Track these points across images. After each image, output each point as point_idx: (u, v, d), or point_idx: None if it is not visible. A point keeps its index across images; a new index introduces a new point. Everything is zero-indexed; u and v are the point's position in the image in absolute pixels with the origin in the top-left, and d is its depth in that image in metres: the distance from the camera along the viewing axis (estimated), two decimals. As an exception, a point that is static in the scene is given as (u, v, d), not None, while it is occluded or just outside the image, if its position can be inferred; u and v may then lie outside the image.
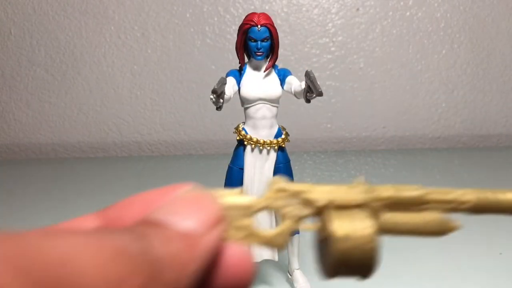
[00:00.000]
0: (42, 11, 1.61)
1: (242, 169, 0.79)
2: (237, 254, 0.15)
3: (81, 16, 1.61)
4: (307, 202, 0.18)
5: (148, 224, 0.13)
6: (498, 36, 1.63)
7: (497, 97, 1.67)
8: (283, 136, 0.79)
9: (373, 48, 1.62)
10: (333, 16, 1.60)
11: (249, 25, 0.75)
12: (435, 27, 1.61)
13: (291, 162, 0.82)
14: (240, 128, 0.80)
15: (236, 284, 0.15)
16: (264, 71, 0.77)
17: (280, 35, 0.80)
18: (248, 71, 0.78)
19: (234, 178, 0.80)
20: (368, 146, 1.67)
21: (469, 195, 0.19)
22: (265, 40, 0.75)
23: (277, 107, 0.79)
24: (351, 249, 0.17)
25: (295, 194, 0.18)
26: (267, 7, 1.57)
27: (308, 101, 0.74)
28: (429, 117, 1.68)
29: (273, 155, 0.79)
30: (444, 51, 1.64)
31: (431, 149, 1.65)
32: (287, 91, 0.78)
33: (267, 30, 0.75)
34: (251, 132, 0.78)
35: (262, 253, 0.79)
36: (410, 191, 0.19)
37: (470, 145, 1.67)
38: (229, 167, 0.81)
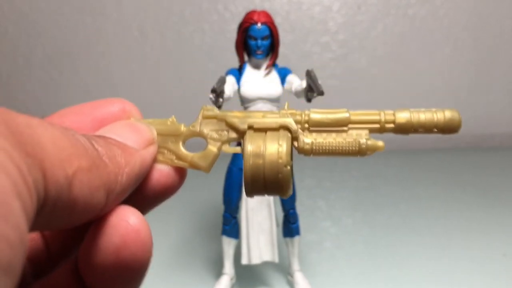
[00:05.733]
0: (39, 10, 1.60)
1: (242, 169, 0.78)
2: (164, 171, 0.18)
3: (78, 15, 1.60)
4: (231, 127, 0.19)
5: (93, 135, 0.16)
6: (502, 35, 1.61)
7: (500, 97, 1.66)
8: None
9: (374, 47, 1.61)
10: (334, 14, 1.59)
11: (249, 23, 0.74)
12: (438, 25, 1.60)
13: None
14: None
15: (162, 193, 0.18)
16: (265, 70, 0.76)
17: (281, 33, 0.79)
18: (248, 69, 0.77)
19: (234, 178, 0.79)
20: (370, 146, 1.65)
21: (391, 116, 0.19)
22: (265, 39, 0.74)
23: (277, 106, 0.77)
24: (261, 165, 0.18)
25: (222, 120, 0.20)
26: (267, 5, 1.56)
27: (309, 100, 0.72)
28: (431, 117, 1.66)
29: (273, 156, 0.78)
30: (447, 50, 1.62)
31: (433, 149, 1.63)
32: (288, 90, 0.77)
33: (267, 28, 0.74)
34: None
35: (263, 255, 0.78)
36: (336, 114, 0.19)
37: (473, 145, 1.66)
38: (228, 167, 0.81)
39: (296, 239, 0.83)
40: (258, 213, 0.78)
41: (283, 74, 0.77)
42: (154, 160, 0.18)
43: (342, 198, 1.23)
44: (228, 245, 0.82)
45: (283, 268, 0.88)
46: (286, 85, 0.76)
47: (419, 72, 1.63)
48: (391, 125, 0.19)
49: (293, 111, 0.20)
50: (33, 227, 0.12)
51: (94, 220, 0.16)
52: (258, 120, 0.19)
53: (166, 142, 0.19)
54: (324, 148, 0.19)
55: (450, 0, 1.58)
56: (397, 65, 1.61)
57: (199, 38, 1.60)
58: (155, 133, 0.19)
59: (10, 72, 1.65)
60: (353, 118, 0.19)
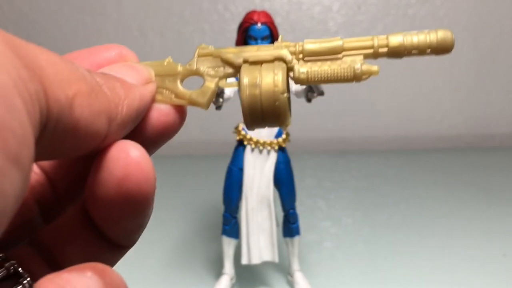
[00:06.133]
0: (38, 10, 1.60)
1: (242, 169, 0.78)
2: (163, 110, 0.18)
3: (78, 15, 1.60)
4: (226, 62, 0.19)
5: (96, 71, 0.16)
6: (502, 35, 1.61)
7: (500, 96, 1.66)
8: (283, 136, 0.78)
9: (374, 47, 1.61)
10: (334, 14, 1.59)
11: (249, 23, 0.74)
12: (438, 25, 1.60)
13: (291, 162, 0.81)
14: (240, 128, 0.79)
15: (163, 132, 0.18)
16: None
17: (281, 33, 0.79)
18: (248, 70, 0.77)
19: (234, 178, 0.79)
20: (370, 146, 1.65)
21: (384, 40, 0.20)
22: (265, 39, 0.74)
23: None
24: (258, 95, 0.18)
25: (217, 56, 0.20)
26: (267, 5, 1.56)
27: (309, 100, 0.72)
28: (432, 117, 1.66)
29: (273, 155, 0.78)
30: (446, 50, 1.62)
31: (433, 149, 1.63)
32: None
33: (267, 28, 0.74)
34: (251, 132, 0.77)
35: (263, 255, 0.78)
36: (330, 43, 0.20)
37: (474, 145, 1.66)
38: (228, 167, 0.81)
39: (296, 239, 0.83)
40: (258, 213, 0.78)
41: (283, 74, 0.77)
42: (153, 99, 0.18)
43: (342, 198, 1.23)
44: (228, 245, 0.82)
45: (283, 268, 0.88)
46: (286, 85, 0.76)
47: (419, 72, 1.63)
48: (385, 49, 0.20)
49: (287, 43, 0.20)
50: (37, 154, 0.12)
51: (97, 153, 0.16)
52: (252, 53, 0.19)
53: (164, 81, 0.19)
54: (319, 75, 0.19)
55: (450, 0, 1.58)
56: (397, 65, 1.61)
57: (199, 38, 1.60)
58: (153, 73, 0.19)
59: (10, 72, 1.64)
60: (347, 45, 0.20)
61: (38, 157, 0.13)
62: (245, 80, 0.19)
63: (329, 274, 0.89)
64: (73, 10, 1.60)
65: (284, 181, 0.80)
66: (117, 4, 1.59)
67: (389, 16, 1.59)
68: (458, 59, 1.63)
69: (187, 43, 1.60)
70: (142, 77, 0.18)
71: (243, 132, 0.78)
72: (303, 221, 0.89)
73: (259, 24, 0.73)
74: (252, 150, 0.78)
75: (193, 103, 0.19)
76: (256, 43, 0.73)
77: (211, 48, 0.20)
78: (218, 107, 0.70)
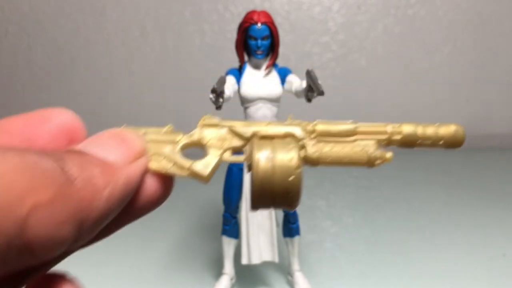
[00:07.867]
0: (39, 10, 1.60)
1: (242, 169, 0.78)
2: (151, 181, 0.16)
3: (78, 15, 1.60)
4: (235, 134, 0.19)
5: (68, 151, 0.14)
6: (502, 36, 1.61)
7: (500, 97, 1.66)
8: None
9: (375, 47, 1.61)
10: (334, 14, 1.59)
11: (249, 23, 0.74)
12: (438, 25, 1.60)
13: (292, 162, 0.81)
14: (240, 128, 0.78)
15: (145, 205, 0.16)
16: (265, 70, 0.76)
17: (281, 33, 0.79)
18: (248, 69, 0.77)
19: (234, 178, 0.79)
20: (370, 146, 1.65)
21: (397, 128, 0.19)
22: (265, 39, 0.74)
23: (278, 106, 0.77)
24: (270, 168, 0.17)
25: (223, 128, 0.19)
26: (267, 5, 1.56)
27: (309, 100, 0.72)
28: (431, 117, 1.66)
29: (273, 156, 0.78)
30: (447, 50, 1.62)
31: (433, 149, 1.63)
32: (288, 90, 0.77)
33: (268, 28, 0.74)
34: (251, 132, 0.77)
35: (263, 255, 0.78)
36: (343, 125, 0.19)
37: (473, 145, 1.66)
38: (228, 167, 0.81)
39: (296, 239, 0.83)
40: (258, 213, 0.78)
41: (283, 74, 0.77)
42: (144, 176, 0.16)
43: (342, 198, 1.23)
44: (228, 245, 0.82)
45: (283, 268, 0.88)
46: (286, 85, 0.76)
47: (419, 72, 1.63)
48: (398, 136, 0.20)
49: (299, 122, 0.19)
50: None
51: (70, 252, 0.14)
52: (263, 127, 0.19)
53: (162, 148, 0.17)
54: (331, 157, 0.19)
55: (450, 0, 1.58)
56: (397, 65, 1.61)
57: (199, 38, 1.60)
58: (145, 142, 0.17)
59: (10, 72, 1.64)
60: (360, 129, 0.19)
61: None
62: (257, 153, 0.18)
63: (329, 274, 0.89)
64: (73, 10, 1.60)
65: (284, 181, 0.80)
66: (117, 4, 1.59)
67: (389, 16, 1.59)
68: (458, 59, 1.63)
69: (187, 43, 1.61)
70: (131, 151, 0.15)
71: (243, 132, 0.78)
72: (303, 221, 0.89)
73: (259, 24, 0.73)
74: (252, 150, 0.78)
75: (194, 175, 0.18)
76: (256, 43, 0.73)
77: (215, 120, 0.19)
78: (218, 107, 0.70)
